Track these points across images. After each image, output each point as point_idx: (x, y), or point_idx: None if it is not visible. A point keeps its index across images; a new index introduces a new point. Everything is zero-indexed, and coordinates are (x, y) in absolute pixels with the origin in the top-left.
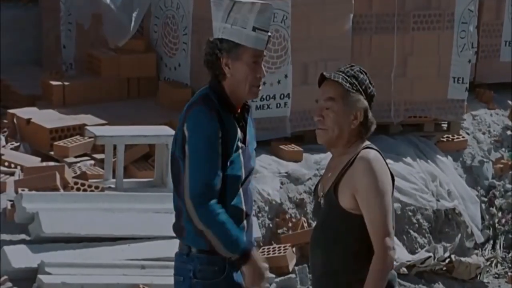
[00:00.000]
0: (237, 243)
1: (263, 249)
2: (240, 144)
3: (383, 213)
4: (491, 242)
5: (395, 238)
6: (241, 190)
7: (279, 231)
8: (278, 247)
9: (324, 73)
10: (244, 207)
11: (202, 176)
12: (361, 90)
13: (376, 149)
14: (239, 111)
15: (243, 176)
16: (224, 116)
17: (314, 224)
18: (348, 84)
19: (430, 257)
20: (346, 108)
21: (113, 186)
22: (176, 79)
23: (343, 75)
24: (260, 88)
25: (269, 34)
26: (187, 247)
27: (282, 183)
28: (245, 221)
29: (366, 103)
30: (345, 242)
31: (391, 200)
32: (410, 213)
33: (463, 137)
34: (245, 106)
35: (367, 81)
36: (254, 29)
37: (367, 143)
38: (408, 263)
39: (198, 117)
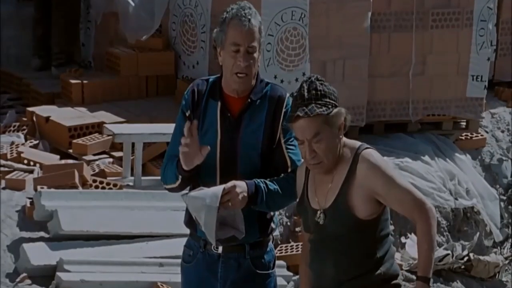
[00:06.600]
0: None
1: (281, 247)
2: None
3: (408, 188)
4: (510, 240)
5: (414, 237)
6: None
7: (297, 229)
8: (296, 245)
9: (299, 114)
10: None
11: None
12: (334, 102)
13: (367, 146)
14: (234, 102)
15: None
16: (206, 99)
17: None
18: (327, 109)
19: (448, 255)
20: (332, 129)
21: (131, 184)
22: (194, 77)
23: (315, 103)
24: (240, 75)
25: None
26: None
27: None
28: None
29: (342, 108)
30: (362, 246)
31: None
32: None
33: (481, 135)
34: (250, 101)
35: (327, 86)
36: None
37: (353, 144)
38: None
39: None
